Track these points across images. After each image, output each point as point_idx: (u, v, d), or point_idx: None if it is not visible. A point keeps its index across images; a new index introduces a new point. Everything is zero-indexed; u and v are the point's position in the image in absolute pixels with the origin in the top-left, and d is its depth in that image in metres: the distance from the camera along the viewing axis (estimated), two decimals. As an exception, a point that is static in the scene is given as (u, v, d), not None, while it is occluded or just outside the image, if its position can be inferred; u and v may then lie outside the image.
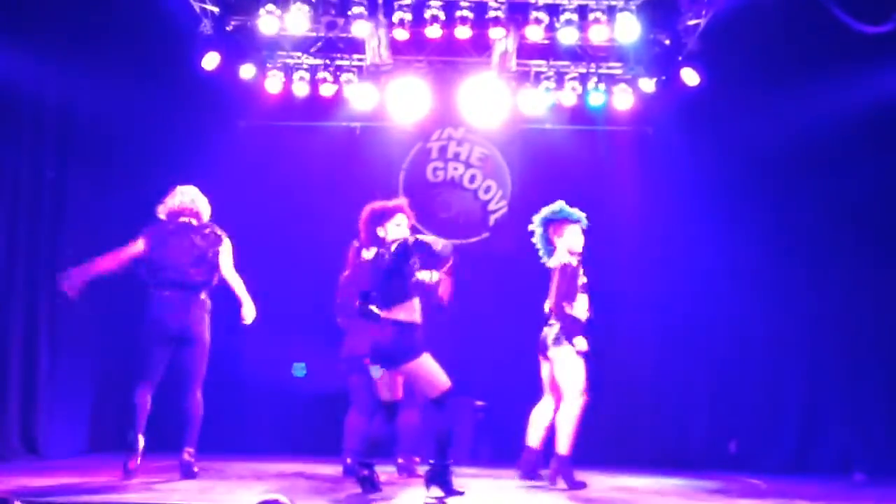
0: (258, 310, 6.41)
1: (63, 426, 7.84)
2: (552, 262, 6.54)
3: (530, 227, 6.68)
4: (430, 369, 5.55)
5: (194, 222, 6.31)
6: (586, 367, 6.38)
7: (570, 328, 6.34)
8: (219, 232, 6.37)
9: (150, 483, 5.87)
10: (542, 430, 6.52)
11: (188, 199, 6.34)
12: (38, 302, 7.70)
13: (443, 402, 5.55)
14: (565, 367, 6.34)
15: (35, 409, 7.60)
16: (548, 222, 6.62)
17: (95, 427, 8.16)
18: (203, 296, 6.28)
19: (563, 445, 6.31)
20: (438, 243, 5.54)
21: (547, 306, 6.50)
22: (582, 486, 6.29)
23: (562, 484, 6.31)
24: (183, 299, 6.18)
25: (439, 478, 5.58)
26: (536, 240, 6.67)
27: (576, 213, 6.60)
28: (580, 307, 6.46)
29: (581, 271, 6.51)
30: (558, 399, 6.42)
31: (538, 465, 6.55)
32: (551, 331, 6.42)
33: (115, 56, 7.90)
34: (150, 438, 6.16)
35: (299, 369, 7.45)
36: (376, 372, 5.61)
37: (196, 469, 6.17)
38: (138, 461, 6.04)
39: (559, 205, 6.63)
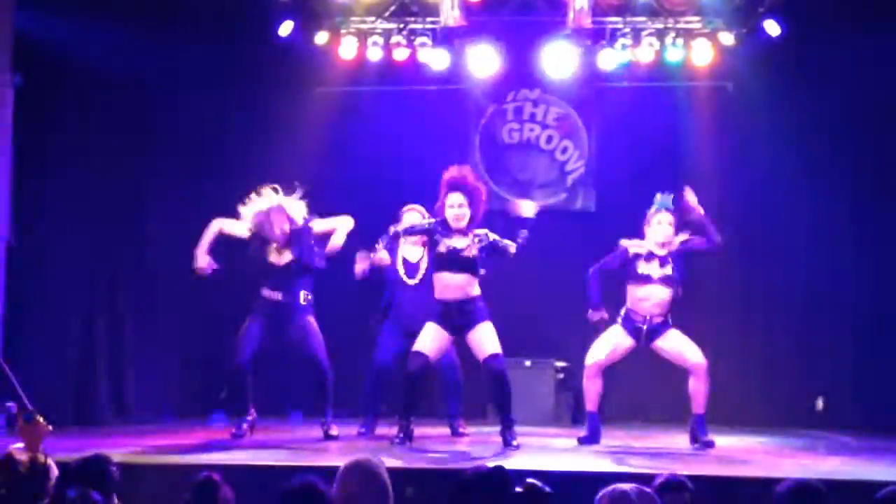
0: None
1: (151, 392, 8.05)
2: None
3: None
4: None
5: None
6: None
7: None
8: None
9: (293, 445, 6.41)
10: (694, 396, 6.62)
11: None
12: (120, 276, 7.96)
13: None
14: None
15: (123, 376, 7.86)
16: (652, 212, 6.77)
17: (182, 393, 8.32)
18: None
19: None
20: None
21: None
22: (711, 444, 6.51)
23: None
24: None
25: None
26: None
27: (658, 201, 6.73)
28: (635, 294, 6.68)
29: (655, 262, 6.67)
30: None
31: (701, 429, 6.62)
32: None
33: (192, 27, 7.98)
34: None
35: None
36: None
37: (334, 433, 6.61)
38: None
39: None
